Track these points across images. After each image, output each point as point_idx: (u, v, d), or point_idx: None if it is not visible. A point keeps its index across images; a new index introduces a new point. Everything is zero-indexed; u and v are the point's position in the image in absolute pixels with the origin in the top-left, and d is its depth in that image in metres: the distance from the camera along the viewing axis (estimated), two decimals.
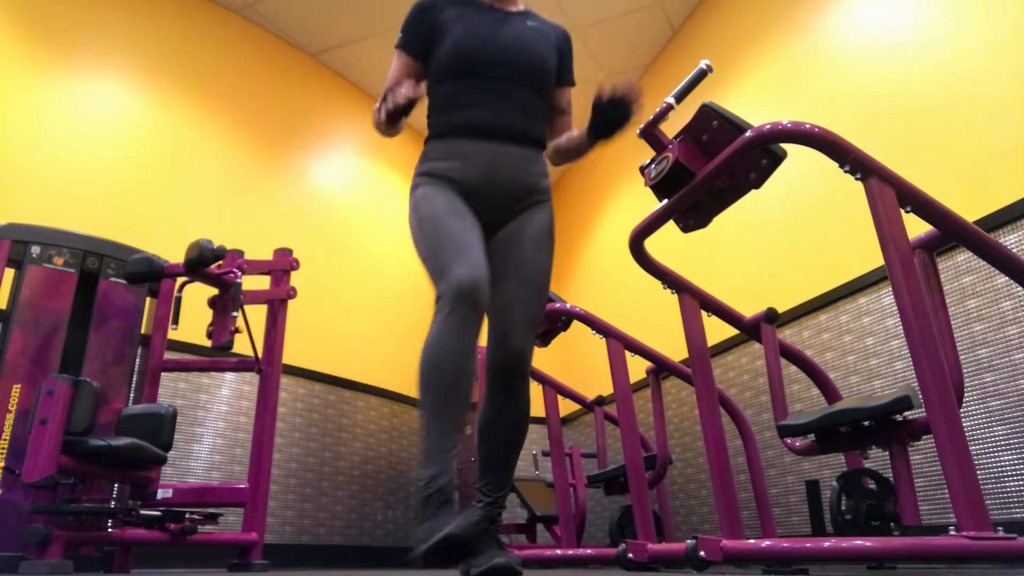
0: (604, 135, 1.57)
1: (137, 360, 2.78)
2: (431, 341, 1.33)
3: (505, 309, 1.52)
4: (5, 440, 2.26)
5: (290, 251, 3.08)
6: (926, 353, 1.36)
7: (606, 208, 5.25)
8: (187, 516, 2.36)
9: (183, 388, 3.54)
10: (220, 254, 2.56)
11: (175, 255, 2.92)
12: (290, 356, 3.85)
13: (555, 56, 1.72)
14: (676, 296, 1.95)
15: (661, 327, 4.04)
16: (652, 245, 1.93)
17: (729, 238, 3.68)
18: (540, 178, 1.63)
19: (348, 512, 4.19)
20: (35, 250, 2.50)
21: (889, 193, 1.48)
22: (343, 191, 4.86)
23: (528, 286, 1.54)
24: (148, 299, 2.84)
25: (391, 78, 1.66)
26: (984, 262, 2.05)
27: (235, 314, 2.64)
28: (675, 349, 3.38)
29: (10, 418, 2.28)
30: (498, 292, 1.52)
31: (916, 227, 1.70)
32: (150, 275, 2.55)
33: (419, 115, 1.68)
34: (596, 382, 4.77)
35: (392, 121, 1.53)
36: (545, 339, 2.81)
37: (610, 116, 1.52)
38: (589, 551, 2.65)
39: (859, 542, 1.32)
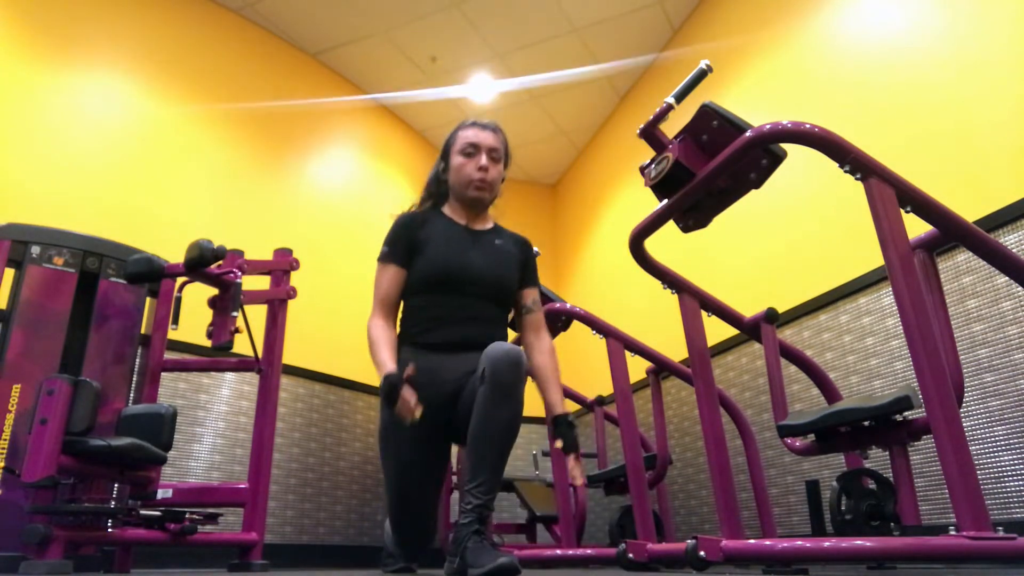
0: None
1: (137, 360, 2.77)
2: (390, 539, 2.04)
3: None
4: (5, 440, 2.26)
5: (290, 251, 3.08)
6: (926, 353, 1.36)
7: (606, 208, 5.25)
8: (187, 516, 2.35)
9: (183, 388, 3.54)
10: (220, 254, 2.56)
11: (175, 255, 2.92)
12: (290, 356, 3.84)
13: (518, 270, 1.95)
14: (676, 296, 1.95)
15: (661, 327, 4.04)
16: (652, 245, 1.93)
17: (729, 238, 3.68)
18: None
19: (348, 512, 4.19)
20: (35, 250, 2.49)
21: (889, 193, 1.48)
22: (343, 191, 4.86)
23: None
24: (148, 299, 2.84)
25: (383, 288, 1.87)
26: (984, 262, 2.05)
27: (235, 314, 2.63)
28: (675, 349, 3.38)
29: (10, 418, 2.28)
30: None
31: (916, 227, 1.70)
32: (150, 275, 2.55)
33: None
34: (596, 382, 4.77)
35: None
36: None
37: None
38: (589, 551, 2.64)
39: (859, 542, 1.32)
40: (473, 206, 1.95)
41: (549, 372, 1.90)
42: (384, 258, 1.90)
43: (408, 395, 1.57)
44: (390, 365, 1.68)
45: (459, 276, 1.84)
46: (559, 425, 1.77)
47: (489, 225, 1.99)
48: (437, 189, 2.00)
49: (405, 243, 1.90)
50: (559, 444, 1.74)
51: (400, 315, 1.92)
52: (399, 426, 1.76)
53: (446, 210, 1.98)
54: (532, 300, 1.97)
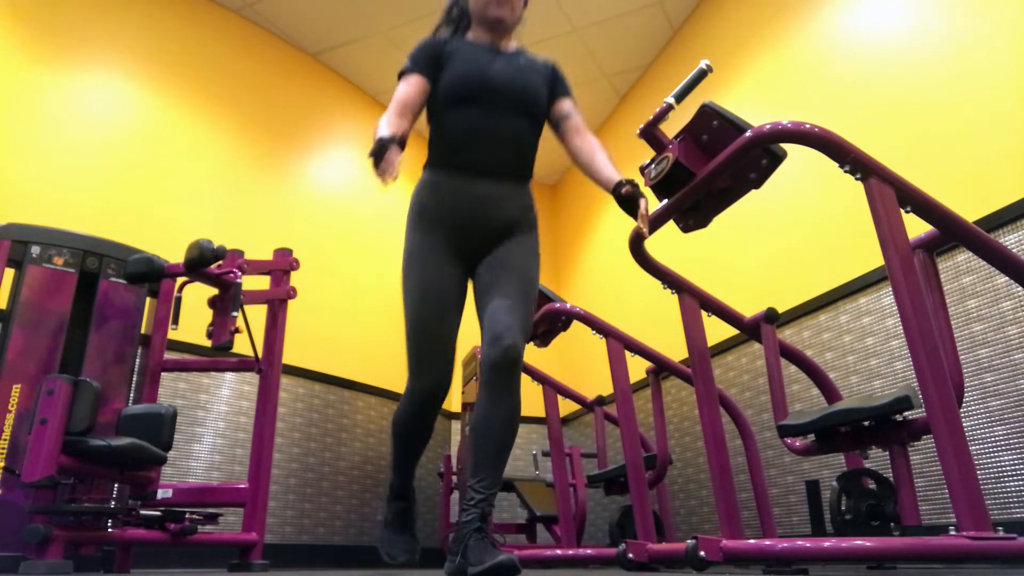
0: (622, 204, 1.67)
1: (137, 360, 2.78)
2: (399, 417, 1.75)
3: (497, 313, 1.62)
4: (5, 440, 2.26)
5: (290, 251, 3.08)
6: (926, 353, 1.36)
7: (606, 208, 5.25)
8: (187, 516, 2.36)
9: (183, 388, 3.54)
10: (220, 254, 2.56)
11: (175, 255, 2.92)
12: (290, 356, 3.85)
13: (545, 85, 1.85)
14: (676, 296, 1.95)
15: (661, 327, 4.04)
16: (652, 245, 1.93)
17: (729, 238, 3.68)
18: (526, 211, 1.79)
19: (348, 512, 4.19)
20: (35, 250, 2.50)
21: (889, 193, 1.48)
22: (343, 191, 4.86)
23: (518, 294, 1.67)
24: (148, 299, 2.84)
25: (401, 93, 1.73)
26: (984, 262, 2.05)
27: (235, 314, 2.64)
28: (675, 349, 3.38)
29: (10, 418, 2.28)
30: (491, 298, 1.66)
31: (916, 227, 1.70)
32: (150, 275, 2.55)
33: (425, 118, 1.79)
34: (596, 382, 4.77)
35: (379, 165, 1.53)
36: (545, 339, 2.81)
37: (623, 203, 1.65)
38: (589, 551, 2.65)
39: (859, 542, 1.32)
40: (495, 27, 1.84)
41: (599, 154, 1.77)
42: (406, 71, 1.77)
43: (393, 156, 1.49)
44: (387, 132, 1.58)
45: (484, 87, 1.74)
46: (619, 192, 1.63)
47: (514, 47, 1.90)
48: (458, 17, 1.92)
49: (428, 57, 1.79)
50: (630, 200, 1.60)
51: (428, 142, 1.83)
52: (422, 247, 1.71)
53: (468, 36, 1.89)
54: (569, 107, 1.87)
